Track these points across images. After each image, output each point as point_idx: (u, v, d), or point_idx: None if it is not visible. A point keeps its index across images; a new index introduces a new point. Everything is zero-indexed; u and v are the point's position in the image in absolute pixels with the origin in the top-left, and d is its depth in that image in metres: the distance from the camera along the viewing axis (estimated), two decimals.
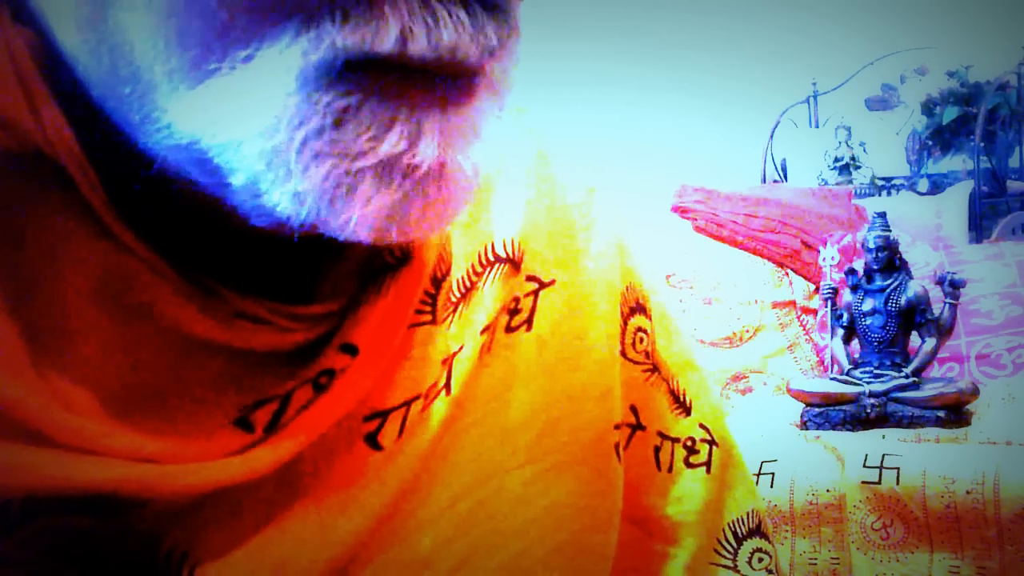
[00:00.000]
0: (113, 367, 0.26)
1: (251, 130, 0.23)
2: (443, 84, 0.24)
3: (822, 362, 1.77)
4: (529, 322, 0.38)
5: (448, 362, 0.34)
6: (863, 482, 1.12)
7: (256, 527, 0.29)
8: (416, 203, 0.24)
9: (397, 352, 0.32)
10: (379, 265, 0.31)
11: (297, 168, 0.23)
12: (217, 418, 0.28)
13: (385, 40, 0.22)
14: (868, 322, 1.44)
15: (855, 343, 1.49)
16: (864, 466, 1.13)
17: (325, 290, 0.31)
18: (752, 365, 1.80)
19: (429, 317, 0.34)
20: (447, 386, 0.34)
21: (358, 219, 0.24)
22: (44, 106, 0.25)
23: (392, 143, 0.23)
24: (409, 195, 0.24)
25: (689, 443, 0.44)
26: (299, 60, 0.22)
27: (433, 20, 0.22)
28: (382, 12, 0.22)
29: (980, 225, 2.33)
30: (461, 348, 0.35)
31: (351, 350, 0.30)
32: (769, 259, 2.00)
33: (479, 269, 0.36)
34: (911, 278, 1.45)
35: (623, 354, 0.42)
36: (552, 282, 0.39)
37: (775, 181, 2.75)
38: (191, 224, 0.28)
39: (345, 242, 0.25)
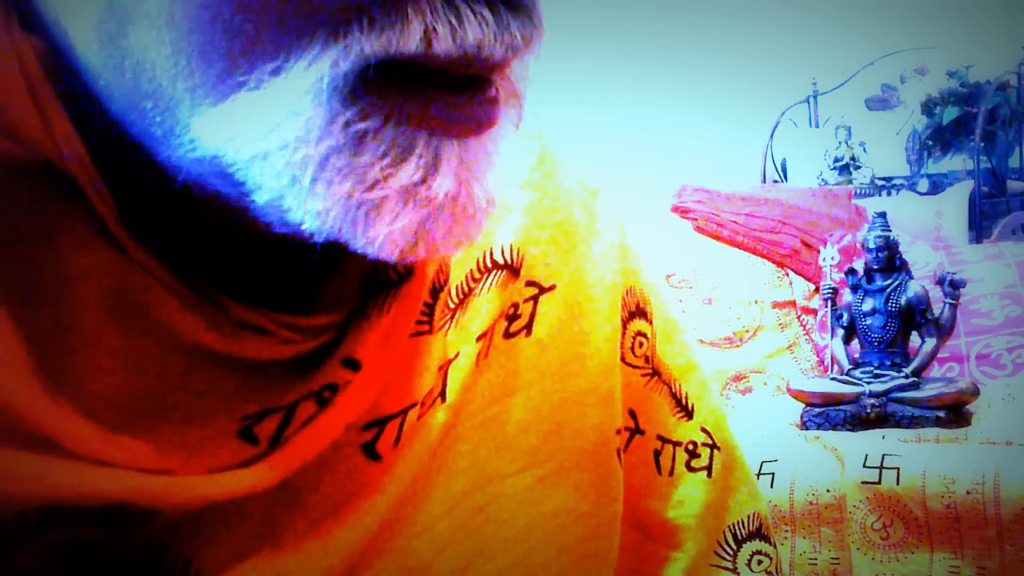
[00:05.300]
0: (119, 378, 0.26)
1: (275, 143, 0.23)
2: (466, 103, 0.24)
3: (822, 362, 1.77)
4: (529, 327, 0.38)
5: (444, 369, 0.34)
6: (863, 482, 1.12)
7: (258, 537, 0.29)
8: (441, 221, 0.24)
9: (396, 362, 0.32)
10: (382, 280, 0.31)
11: (319, 185, 0.23)
12: (222, 430, 0.28)
13: (410, 40, 0.22)
14: (868, 322, 1.44)
15: (855, 343, 1.49)
16: (864, 466, 1.13)
17: (326, 301, 0.31)
18: (752, 365, 1.80)
19: (426, 327, 0.34)
20: (443, 393, 0.34)
21: (385, 237, 0.24)
22: (54, 116, 0.25)
23: (409, 173, 0.23)
24: (434, 214, 0.24)
25: (690, 447, 0.43)
26: (328, 71, 0.22)
27: (456, 19, 0.22)
28: (405, 13, 0.22)
29: (980, 225, 2.33)
30: (457, 355, 0.35)
31: (354, 365, 0.30)
32: (769, 259, 1.99)
33: (477, 276, 0.36)
34: (911, 278, 1.45)
35: (622, 359, 0.42)
36: (553, 287, 0.39)
37: (775, 181, 2.75)
38: (199, 231, 0.28)
39: (348, 253, 0.25)
